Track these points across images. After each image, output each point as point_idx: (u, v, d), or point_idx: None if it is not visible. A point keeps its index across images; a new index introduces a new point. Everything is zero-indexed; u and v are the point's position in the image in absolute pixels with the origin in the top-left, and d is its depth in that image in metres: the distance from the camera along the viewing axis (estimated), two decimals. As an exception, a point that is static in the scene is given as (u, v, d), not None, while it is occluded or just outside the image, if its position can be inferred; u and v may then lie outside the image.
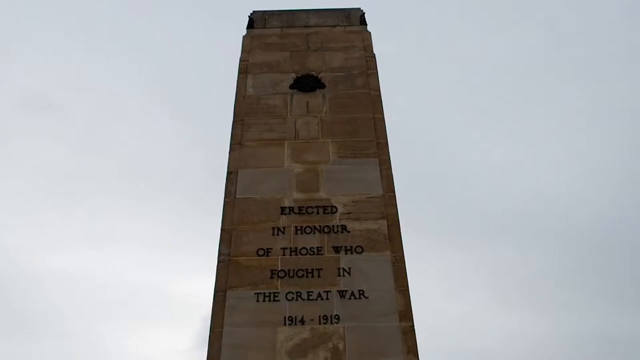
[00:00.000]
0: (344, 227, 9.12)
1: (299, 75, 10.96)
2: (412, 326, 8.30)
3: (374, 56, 11.40)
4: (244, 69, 11.19)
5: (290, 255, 8.89)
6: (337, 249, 8.93)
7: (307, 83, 10.80)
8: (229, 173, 9.77)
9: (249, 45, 11.56)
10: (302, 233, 9.08)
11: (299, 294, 8.54)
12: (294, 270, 8.74)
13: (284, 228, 9.13)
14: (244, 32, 11.99)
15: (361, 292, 8.54)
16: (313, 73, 11.01)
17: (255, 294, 8.57)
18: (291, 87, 10.82)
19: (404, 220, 9.31)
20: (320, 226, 9.13)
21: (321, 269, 8.74)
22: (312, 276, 8.69)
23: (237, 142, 10.10)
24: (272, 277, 8.70)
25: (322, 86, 10.80)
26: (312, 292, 8.55)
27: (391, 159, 9.91)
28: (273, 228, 9.14)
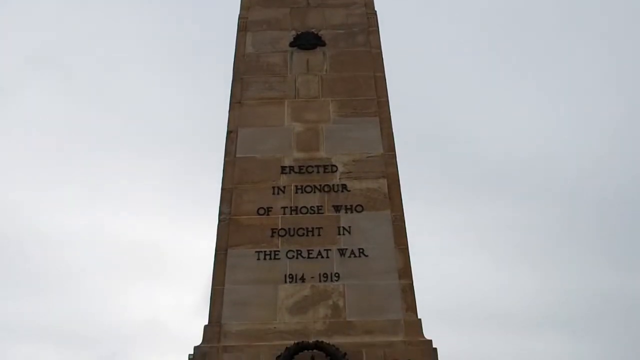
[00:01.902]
0: (344, 186, 9.14)
1: (299, 33, 10.80)
2: (411, 284, 8.40)
3: (375, 13, 11.21)
4: (243, 27, 11.02)
5: (291, 214, 8.94)
6: (337, 208, 8.97)
7: (307, 40, 10.66)
8: (228, 132, 9.74)
9: (248, 1, 11.37)
10: (302, 192, 9.11)
11: (299, 252, 8.62)
12: (294, 229, 8.79)
13: (284, 187, 9.15)
14: (243, -12, 11.80)
15: (361, 250, 8.62)
16: (313, 30, 10.85)
17: (256, 252, 8.64)
18: (291, 44, 10.68)
19: (404, 179, 9.35)
20: (320, 185, 9.15)
21: (321, 228, 8.80)
22: (313, 235, 8.75)
23: (236, 101, 10.04)
24: (272, 236, 8.77)
25: (323, 44, 10.66)
26: (313, 250, 8.63)
27: (392, 118, 9.87)
28: (273, 187, 9.16)
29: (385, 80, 10.22)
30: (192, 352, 7.92)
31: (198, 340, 8.06)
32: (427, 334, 8.04)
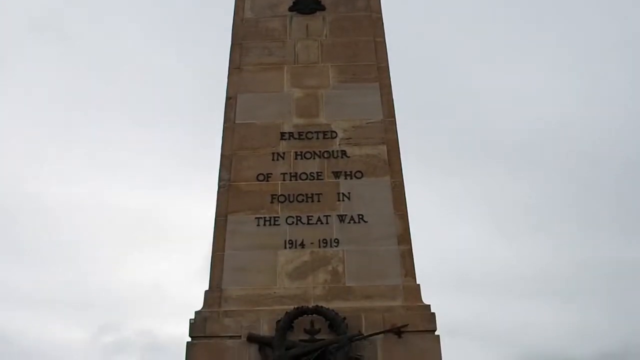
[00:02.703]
0: (343, 152, 9.12)
1: (298, -3, 10.64)
2: (410, 249, 8.44)
3: (375, -24, 11.03)
4: (242, -9, 10.86)
5: (290, 180, 8.94)
6: (336, 174, 8.96)
7: (306, 5, 10.50)
8: (227, 98, 9.67)
9: (246, -34, 11.17)
10: (302, 158, 9.09)
11: (299, 218, 8.65)
12: (294, 195, 8.80)
13: (283, 153, 9.13)
14: (241, -48, 11.58)
15: (360, 216, 8.64)
16: (313, -6, 10.69)
17: (255, 218, 8.67)
18: (290, 9, 10.53)
19: (405, 145, 9.32)
20: (320, 151, 9.13)
21: (321, 194, 8.81)
22: (312, 201, 8.76)
23: (235, 67, 9.95)
24: (272, 202, 8.78)
25: (322, 8, 10.51)
26: (312, 216, 8.65)
27: (392, 84, 9.80)
28: (273, 153, 9.14)
29: (385, 45, 10.11)
30: (193, 317, 8.00)
31: (199, 306, 8.14)
32: (426, 299, 8.11)
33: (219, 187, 8.96)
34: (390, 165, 9.02)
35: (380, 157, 9.08)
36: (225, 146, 9.26)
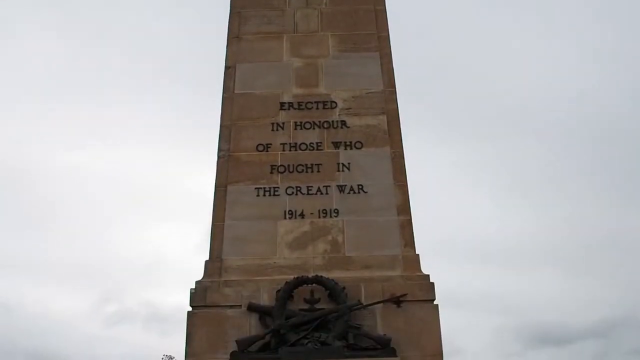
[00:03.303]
0: (343, 123, 9.07)
1: (297, -36, 10.46)
2: (410, 220, 8.46)
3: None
4: (241, -42, 10.67)
5: (290, 150, 8.90)
6: (336, 144, 8.93)
7: (306, -28, 10.33)
8: (226, 68, 9.57)
9: None
10: (301, 128, 9.05)
11: (298, 188, 8.64)
12: (293, 165, 8.79)
13: (283, 123, 9.09)
14: None
15: (360, 186, 8.63)
16: (313, -39, 10.50)
17: (255, 188, 8.66)
18: (290, -24, 10.36)
19: (405, 115, 9.26)
20: (319, 121, 9.08)
21: (321, 164, 8.79)
22: (312, 171, 8.75)
23: (234, 36, 9.83)
24: (272, 172, 8.77)
25: (322, -24, 10.34)
26: (312, 186, 8.65)
27: (392, 53, 9.70)
28: (272, 123, 9.09)
29: (386, 14, 9.96)
30: (193, 287, 8.05)
31: (200, 276, 8.19)
32: (425, 269, 8.16)
33: (219, 157, 8.93)
34: (390, 136, 8.99)
35: (380, 127, 9.03)
36: (225, 116, 9.21)
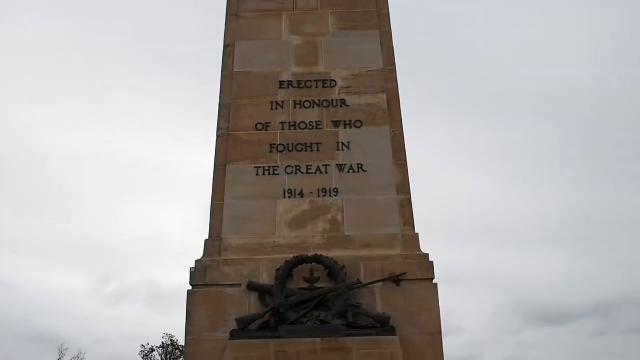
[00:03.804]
0: (343, 102, 9.03)
1: (297, -60, 10.31)
2: (409, 199, 8.45)
3: None
4: None
5: (290, 129, 8.87)
6: (336, 123, 8.89)
7: (305, -51, 10.20)
8: (225, 46, 9.50)
9: None
10: (301, 107, 9.00)
11: (298, 167, 8.62)
12: (293, 144, 8.75)
13: (282, 102, 9.04)
14: None
15: (360, 165, 8.61)
16: (312, -63, 10.35)
17: (255, 167, 8.64)
18: (289, -47, 10.23)
19: (405, 94, 9.21)
20: (319, 100, 9.04)
21: (320, 143, 8.76)
22: (312, 150, 8.72)
23: (233, 14, 9.73)
24: (271, 151, 8.74)
25: (322, -48, 10.20)
26: (312, 165, 8.63)
27: (392, 31, 9.61)
28: (272, 102, 9.05)
29: (386, -9, 9.86)
30: (193, 266, 8.06)
31: (200, 255, 8.19)
32: (424, 248, 8.17)
33: (218, 136, 8.90)
34: (390, 115, 8.94)
35: (380, 106, 8.99)
36: (224, 95, 9.15)
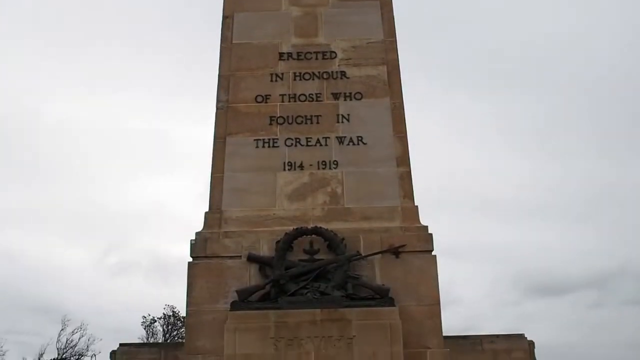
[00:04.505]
0: (343, 73, 8.97)
1: None
2: (409, 171, 8.44)
3: None
4: None
5: (289, 101, 8.83)
6: (336, 95, 8.85)
7: None
8: (224, 17, 9.39)
9: None
10: (300, 79, 8.94)
11: (298, 140, 8.60)
12: (292, 116, 8.72)
13: (282, 74, 8.98)
14: None
15: (360, 138, 8.59)
16: None
17: (254, 140, 8.62)
18: None
19: (406, 65, 9.13)
20: (319, 72, 8.97)
21: (320, 116, 8.72)
22: (311, 122, 8.69)
23: (232, -16, 9.60)
24: (271, 124, 8.71)
25: None
26: (311, 138, 8.60)
27: (394, 1, 9.48)
28: (271, 74, 8.99)
29: (386, -41, 9.71)
30: (194, 238, 8.10)
31: (200, 227, 8.22)
32: (424, 220, 8.19)
33: (217, 108, 8.86)
34: (390, 86, 8.89)
35: (380, 77, 8.93)
36: (223, 67, 9.09)
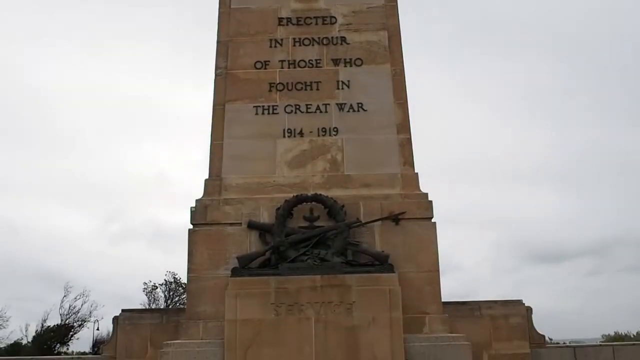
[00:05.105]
0: (343, 39, 8.87)
1: None
2: (409, 138, 8.41)
3: None
4: None
5: (289, 67, 8.75)
6: (336, 62, 8.76)
7: None
8: (223, -19, 9.25)
9: None
10: (300, 45, 8.85)
11: (297, 106, 8.55)
12: (292, 83, 8.65)
13: (281, 40, 8.88)
14: None
15: (360, 104, 8.53)
16: None
17: (254, 107, 8.57)
18: None
19: (407, 31, 9.02)
20: (319, 38, 8.87)
21: (320, 82, 8.66)
22: (311, 89, 8.63)
23: (230, -53, 9.43)
24: (270, 90, 8.65)
25: None
26: (311, 104, 8.55)
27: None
28: (270, 40, 8.89)
29: None
30: (194, 205, 8.10)
31: (200, 194, 8.22)
32: (424, 188, 8.19)
33: (216, 75, 8.78)
34: (391, 52, 8.80)
35: (381, 43, 8.84)
36: (222, 32, 8.98)
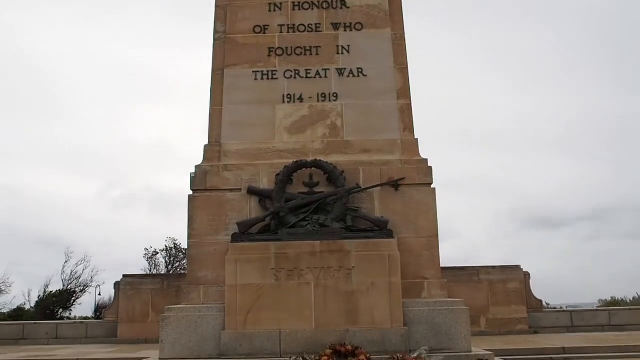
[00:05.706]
0: (343, 3, 8.75)
1: None
2: (410, 104, 8.36)
3: None
4: None
5: (288, 32, 8.65)
6: (336, 26, 8.66)
7: None
8: (220, -57, 9.08)
9: None
10: (300, 9, 8.74)
11: (297, 71, 8.48)
12: (292, 47, 8.57)
13: (280, 4, 8.76)
14: None
15: (360, 70, 8.47)
16: None
17: (253, 72, 8.50)
18: None
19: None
20: (318, 2, 8.76)
21: (320, 47, 8.57)
22: (311, 54, 8.55)
23: None
24: (269, 55, 8.57)
25: None
26: (311, 70, 8.48)
27: None
28: (269, 4, 8.77)
29: None
30: (193, 171, 8.10)
31: (200, 160, 8.21)
32: (424, 154, 8.18)
33: (215, 40, 8.69)
34: (392, 17, 8.70)
35: (381, 7, 8.72)
36: (220, -4, 8.85)
